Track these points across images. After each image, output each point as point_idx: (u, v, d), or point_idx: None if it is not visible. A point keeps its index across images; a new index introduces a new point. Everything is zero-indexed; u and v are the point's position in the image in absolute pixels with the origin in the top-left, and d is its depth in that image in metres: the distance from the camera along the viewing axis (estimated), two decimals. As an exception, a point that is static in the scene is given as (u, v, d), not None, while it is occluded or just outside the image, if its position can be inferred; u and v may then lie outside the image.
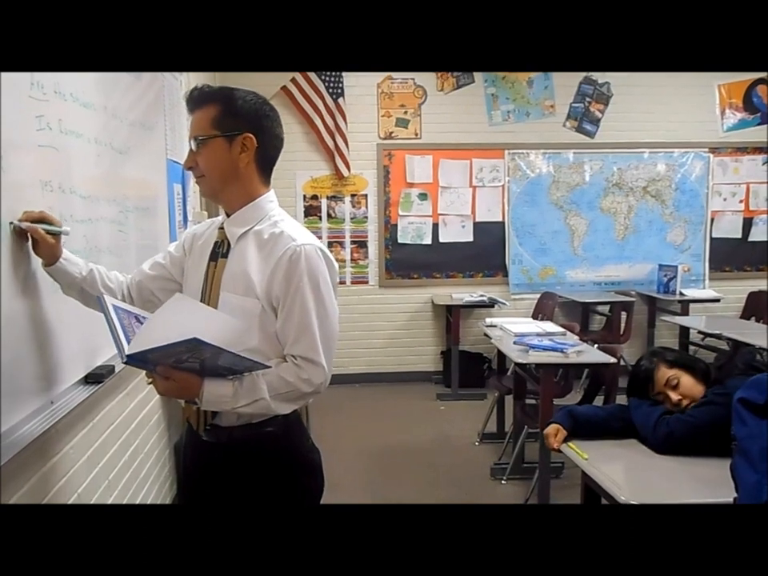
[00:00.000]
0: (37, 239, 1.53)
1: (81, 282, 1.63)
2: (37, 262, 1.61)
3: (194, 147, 1.56)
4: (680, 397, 2.10)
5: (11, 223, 1.49)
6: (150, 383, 1.49)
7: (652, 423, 2.03)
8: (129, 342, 1.42)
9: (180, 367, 1.44)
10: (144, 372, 1.51)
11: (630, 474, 1.98)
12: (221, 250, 1.62)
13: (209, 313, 1.54)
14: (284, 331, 1.54)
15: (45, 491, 1.77)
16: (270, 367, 1.50)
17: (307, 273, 1.52)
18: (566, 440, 2.08)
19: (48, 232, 1.54)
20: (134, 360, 1.41)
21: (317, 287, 1.53)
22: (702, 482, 1.82)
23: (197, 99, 1.56)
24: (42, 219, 1.54)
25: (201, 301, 1.61)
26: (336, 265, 1.62)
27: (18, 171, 1.50)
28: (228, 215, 1.63)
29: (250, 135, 1.54)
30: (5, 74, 1.43)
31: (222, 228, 1.64)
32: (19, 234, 1.52)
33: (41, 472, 1.74)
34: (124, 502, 2.43)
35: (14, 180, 1.48)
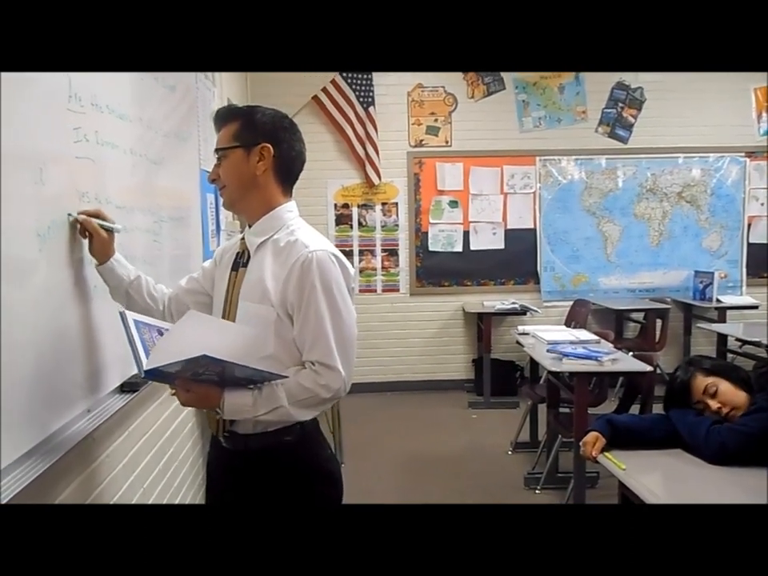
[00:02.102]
0: (91, 232, 1.63)
1: (128, 285, 1.72)
2: (80, 269, 1.65)
3: (216, 160, 1.66)
4: (720, 405, 2.04)
5: (69, 215, 1.57)
6: (172, 394, 1.54)
7: (702, 434, 1.96)
8: (148, 357, 1.46)
9: (199, 380, 1.48)
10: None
11: (670, 484, 1.93)
12: (241, 260, 1.68)
13: (222, 325, 1.59)
14: (300, 337, 1.57)
15: (85, 496, 1.79)
16: (287, 377, 1.52)
17: (320, 278, 1.54)
18: (603, 449, 2.04)
19: (101, 227, 1.64)
20: (152, 375, 1.45)
21: (330, 292, 1.55)
22: (747, 493, 1.77)
23: (222, 117, 1.68)
24: (97, 215, 1.65)
25: (223, 310, 1.66)
26: (351, 270, 1.65)
27: (57, 183, 1.53)
28: (250, 226, 1.69)
29: (267, 145, 1.61)
30: (43, 85, 1.46)
31: (243, 239, 1.70)
32: (73, 230, 1.60)
33: (80, 478, 1.76)
34: (159, 510, 2.45)
35: (53, 192, 1.51)
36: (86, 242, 1.66)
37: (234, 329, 1.56)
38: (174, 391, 1.53)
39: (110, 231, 1.67)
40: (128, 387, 1.97)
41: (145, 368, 1.42)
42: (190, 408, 2.97)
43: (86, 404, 1.69)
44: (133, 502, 2.17)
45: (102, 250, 1.67)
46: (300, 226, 1.66)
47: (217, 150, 1.65)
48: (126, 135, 2.00)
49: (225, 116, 1.67)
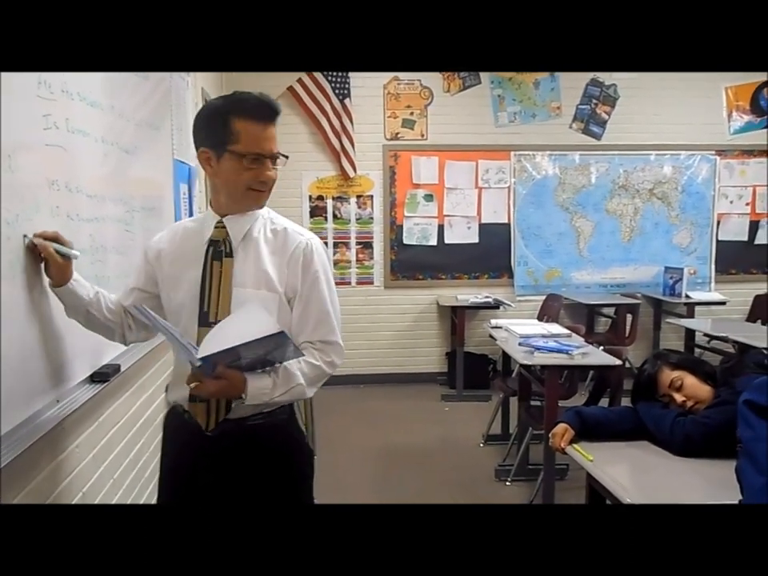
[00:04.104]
0: (46, 257, 1.54)
1: (88, 304, 1.66)
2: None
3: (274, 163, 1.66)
4: (684, 398, 2.08)
5: (25, 236, 1.50)
6: (194, 388, 1.52)
7: (668, 426, 2.01)
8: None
9: (231, 366, 1.51)
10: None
11: (636, 475, 1.96)
12: (224, 249, 1.65)
13: (252, 312, 1.55)
14: (302, 319, 1.64)
15: (51, 489, 1.77)
16: (304, 355, 1.59)
17: (320, 264, 1.67)
18: (572, 441, 2.07)
19: (58, 252, 1.54)
20: (207, 362, 1.46)
21: (327, 275, 1.68)
22: (711, 484, 1.80)
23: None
24: (55, 238, 1.56)
25: (202, 300, 1.64)
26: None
27: (26, 171, 1.50)
28: (222, 215, 1.68)
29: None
30: (12, 74, 1.44)
31: (220, 227, 1.67)
32: (29, 254, 1.53)
33: (47, 470, 1.74)
34: (129, 501, 2.44)
35: (22, 180, 1.48)
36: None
37: (259, 314, 1.54)
38: (195, 385, 1.51)
39: (65, 256, 1.57)
40: (98, 377, 1.95)
41: (199, 356, 1.44)
42: (161, 397, 2.95)
43: (54, 394, 1.67)
44: (102, 493, 2.15)
45: (59, 275, 1.58)
46: (276, 215, 1.74)
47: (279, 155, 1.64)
48: (97, 123, 1.98)
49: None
